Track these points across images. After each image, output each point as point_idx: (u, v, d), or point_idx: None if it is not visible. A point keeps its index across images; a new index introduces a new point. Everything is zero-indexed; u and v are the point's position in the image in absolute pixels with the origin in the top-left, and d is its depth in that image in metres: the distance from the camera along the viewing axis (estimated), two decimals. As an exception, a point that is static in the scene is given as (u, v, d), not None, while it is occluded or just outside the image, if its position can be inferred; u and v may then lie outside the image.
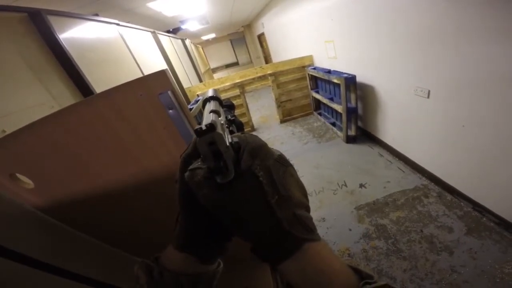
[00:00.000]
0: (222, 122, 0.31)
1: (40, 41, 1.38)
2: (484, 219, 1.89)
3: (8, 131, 0.60)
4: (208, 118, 0.30)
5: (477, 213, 1.95)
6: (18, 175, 0.61)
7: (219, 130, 0.25)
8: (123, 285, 0.75)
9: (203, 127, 0.25)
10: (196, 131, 0.25)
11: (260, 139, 0.31)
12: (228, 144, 0.27)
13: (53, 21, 1.44)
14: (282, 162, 0.30)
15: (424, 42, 1.88)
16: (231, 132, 0.36)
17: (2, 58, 1.15)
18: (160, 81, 0.55)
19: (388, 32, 2.23)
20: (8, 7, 1.25)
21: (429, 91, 2.01)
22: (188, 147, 0.32)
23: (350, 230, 2.11)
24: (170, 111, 0.56)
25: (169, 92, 0.55)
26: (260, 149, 0.29)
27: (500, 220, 1.79)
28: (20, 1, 1.48)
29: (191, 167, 0.28)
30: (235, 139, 0.30)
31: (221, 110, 0.38)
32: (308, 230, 0.28)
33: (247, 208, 0.27)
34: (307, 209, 0.31)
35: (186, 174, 0.28)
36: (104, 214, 0.75)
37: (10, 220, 0.59)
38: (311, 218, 0.30)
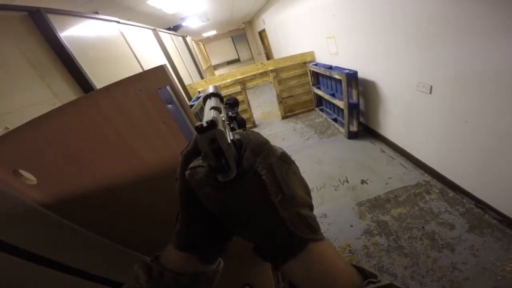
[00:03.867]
0: (223, 119, 0.31)
1: (41, 39, 1.38)
2: (487, 216, 1.88)
3: (11, 128, 0.60)
4: (209, 114, 0.29)
5: (479, 210, 1.94)
6: (21, 171, 0.62)
7: (220, 127, 0.25)
8: (124, 280, 0.76)
9: (204, 124, 0.24)
10: (197, 128, 0.24)
11: (262, 136, 0.30)
12: (229, 141, 0.26)
13: (53, 19, 1.44)
14: (285, 159, 0.29)
15: (426, 37, 1.86)
16: (232, 129, 0.35)
17: (4, 57, 1.15)
18: (159, 76, 0.55)
19: (390, 27, 2.21)
20: (8, 6, 1.25)
21: (431, 87, 2.00)
22: (189, 144, 0.32)
23: (351, 226, 2.12)
24: (169, 105, 0.56)
25: (168, 87, 0.55)
26: (263, 147, 0.28)
27: (502, 217, 1.78)
28: None
29: (191, 165, 0.27)
30: (237, 136, 0.29)
31: (222, 107, 0.37)
32: (312, 229, 0.27)
33: (250, 207, 0.26)
34: (311, 207, 0.30)
35: (187, 172, 0.27)
36: (105, 210, 0.75)
37: (13, 216, 0.60)
38: (315, 217, 0.29)
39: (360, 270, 0.29)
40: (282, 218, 0.26)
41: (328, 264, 0.27)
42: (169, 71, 0.55)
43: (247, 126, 4.50)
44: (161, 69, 0.54)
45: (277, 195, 0.26)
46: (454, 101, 1.84)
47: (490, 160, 1.73)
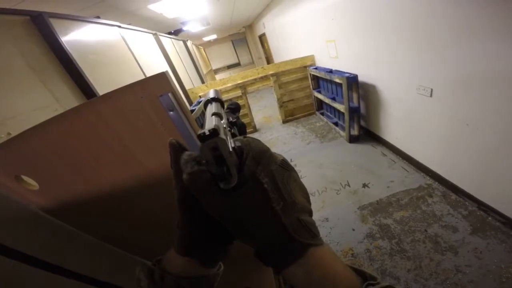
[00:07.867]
0: (224, 125, 0.31)
1: (43, 44, 1.39)
2: (490, 218, 1.87)
3: (13, 134, 0.60)
4: (210, 121, 0.30)
5: (482, 212, 1.93)
6: (23, 176, 0.62)
7: (222, 135, 0.25)
8: (126, 285, 0.76)
9: (206, 132, 0.24)
10: (199, 136, 0.25)
11: (263, 144, 0.31)
12: (231, 149, 0.26)
13: (55, 23, 1.45)
14: (285, 167, 0.30)
15: (426, 40, 1.87)
16: (233, 135, 0.36)
17: (6, 61, 1.16)
18: (161, 83, 0.55)
19: (390, 30, 2.22)
20: (11, 10, 1.26)
21: (431, 90, 2.00)
22: (171, 155, 0.33)
23: (353, 230, 2.11)
24: (171, 112, 0.56)
25: (170, 94, 0.55)
26: (264, 154, 0.29)
27: (506, 220, 1.77)
28: (22, 4, 1.49)
29: (189, 170, 0.27)
30: (238, 144, 0.29)
31: (223, 112, 0.38)
32: (312, 235, 0.28)
33: (252, 214, 0.27)
34: (310, 213, 0.31)
35: (185, 178, 0.27)
36: (106, 215, 0.75)
37: (16, 221, 0.60)
38: (314, 223, 0.30)
39: (360, 273, 0.30)
40: (283, 224, 0.27)
41: (328, 269, 0.28)
42: (171, 78, 0.55)
43: (247, 130, 4.51)
44: (163, 76, 0.54)
45: (279, 202, 0.27)
46: (455, 104, 1.84)
47: (492, 162, 1.73)
